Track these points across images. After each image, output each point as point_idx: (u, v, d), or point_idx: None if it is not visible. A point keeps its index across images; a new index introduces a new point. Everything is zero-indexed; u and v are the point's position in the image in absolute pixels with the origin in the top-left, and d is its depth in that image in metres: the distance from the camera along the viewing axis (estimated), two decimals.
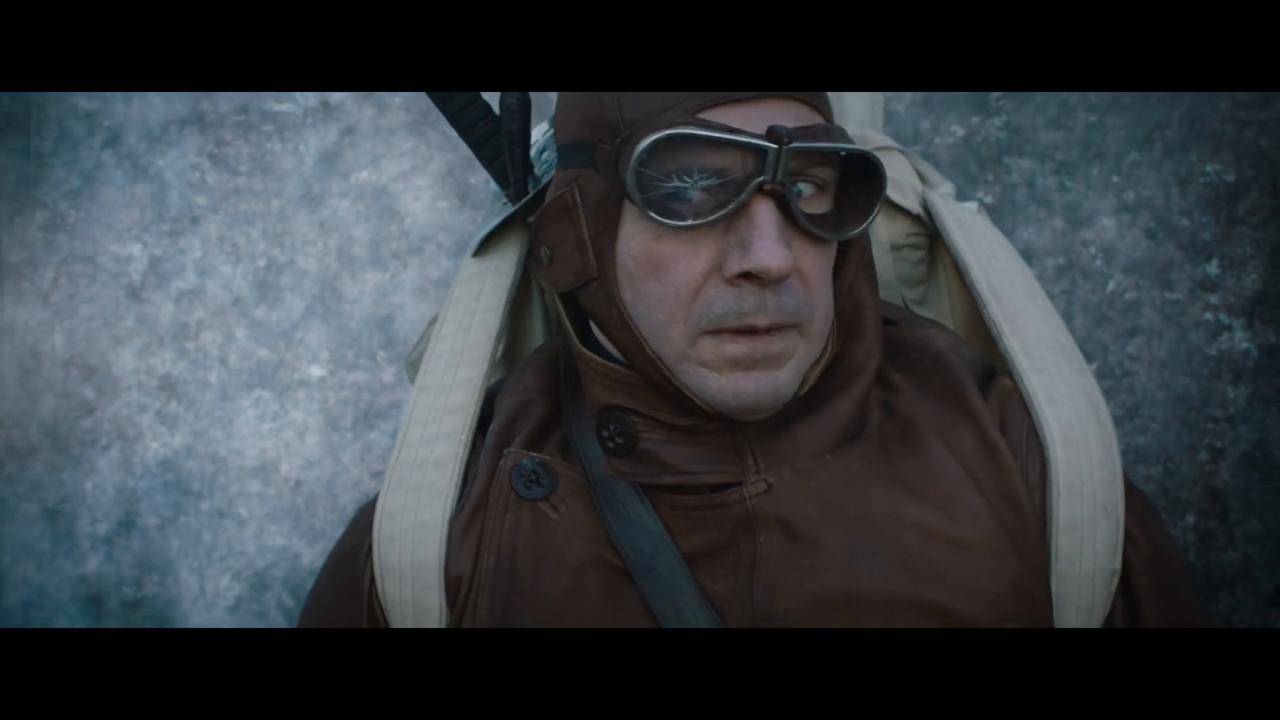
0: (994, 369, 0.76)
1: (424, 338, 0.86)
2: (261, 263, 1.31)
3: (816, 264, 0.65)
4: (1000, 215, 1.27)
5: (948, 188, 0.86)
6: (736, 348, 0.64)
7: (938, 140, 1.26)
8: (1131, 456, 1.26)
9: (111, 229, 1.32)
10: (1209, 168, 1.26)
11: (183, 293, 1.32)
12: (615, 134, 0.63)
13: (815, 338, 0.67)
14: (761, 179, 0.60)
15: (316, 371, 1.31)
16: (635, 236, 0.64)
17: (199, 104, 1.31)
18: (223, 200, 1.31)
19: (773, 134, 0.60)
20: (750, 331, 0.63)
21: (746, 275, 0.62)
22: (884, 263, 0.88)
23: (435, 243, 1.26)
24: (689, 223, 0.60)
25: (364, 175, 1.31)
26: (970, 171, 1.27)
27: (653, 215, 0.60)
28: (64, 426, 1.33)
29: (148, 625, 1.30)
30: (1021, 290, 0.78)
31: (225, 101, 1.31)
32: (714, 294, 0.63)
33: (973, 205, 0.85)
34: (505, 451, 0.74)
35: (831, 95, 0.89)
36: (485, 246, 0.81)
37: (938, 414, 0.71)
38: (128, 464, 1.34)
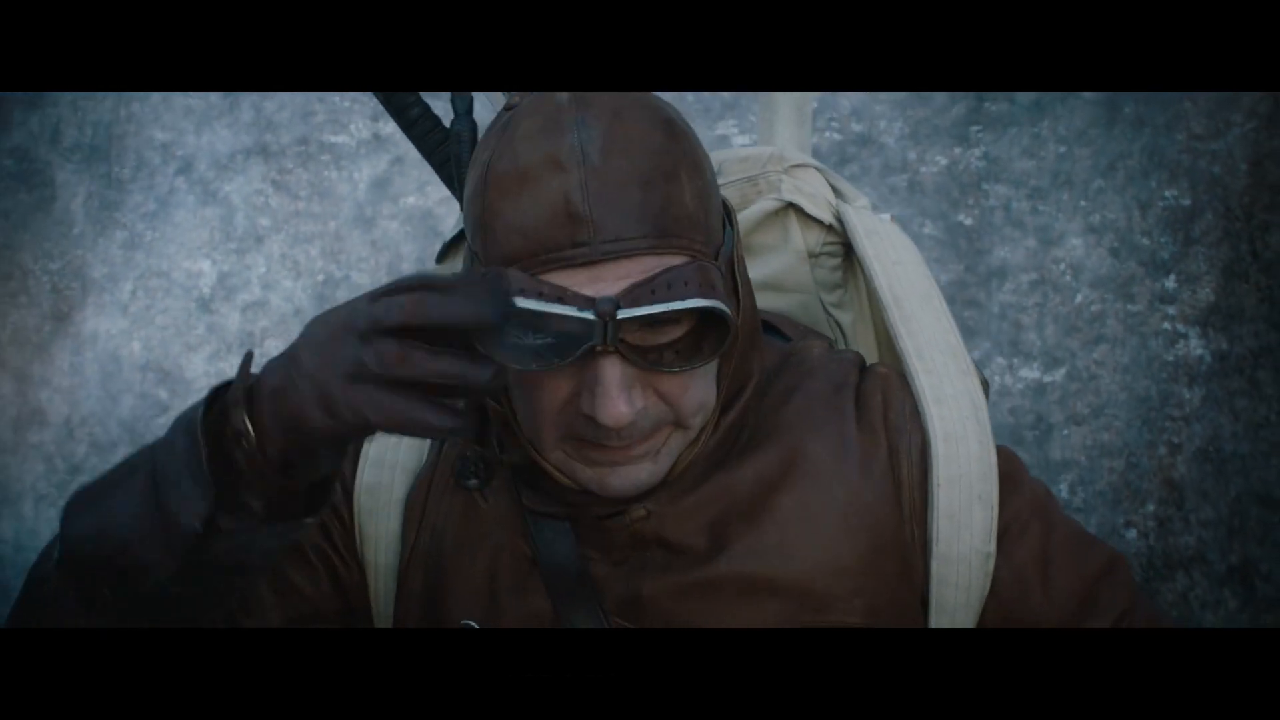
0: (864, 362, 0.85)
1: None
2: (320, 277, 1.53)
3: (678, 380, 0.71)
4: (979, 235, 1.44)
5: (863, 201, 0.97)
6: (600, 454, 0.72)
7: (923, 169, 1.44)
8: (1097, 451, 1.43)
9: (184, 247, 1.53)
10: (1167, 193, 1.44)
11: (248, 304, 1.55)
12: (484, 261, 0.69)
13: (690, 428, 0.74)
14: (591, 343, 0.66)
15: None
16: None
17: (263, 135, 1.52)
18: (284, 221, 1.53)
19: (599, 306, 0.65)
20: (608, 449, 0.71)
21: (591, 418, 0.69)
22: (802, 270, 0.99)
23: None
24: (534, 368, 0.66)
25: (411, 200, 1.53)
26: (952, 196, 1.44)
27: (498, 358, 0.65)
28: (141, 424, 1.55)
29: None
30: (919, 294, 0.87)
31: (286, 133, 1.51)
32: (574, 415, 0.71)
33: (885, 216, 0.98)
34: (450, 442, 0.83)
35: (762, 96, 1.05)
36: (447, 254, 0.91)
37: (807, 413, 0.81)
38: None
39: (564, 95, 0.71)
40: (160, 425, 1.54)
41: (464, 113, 0.84)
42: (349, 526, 0.83)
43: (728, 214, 0.78)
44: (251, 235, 1.56)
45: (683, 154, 0.72)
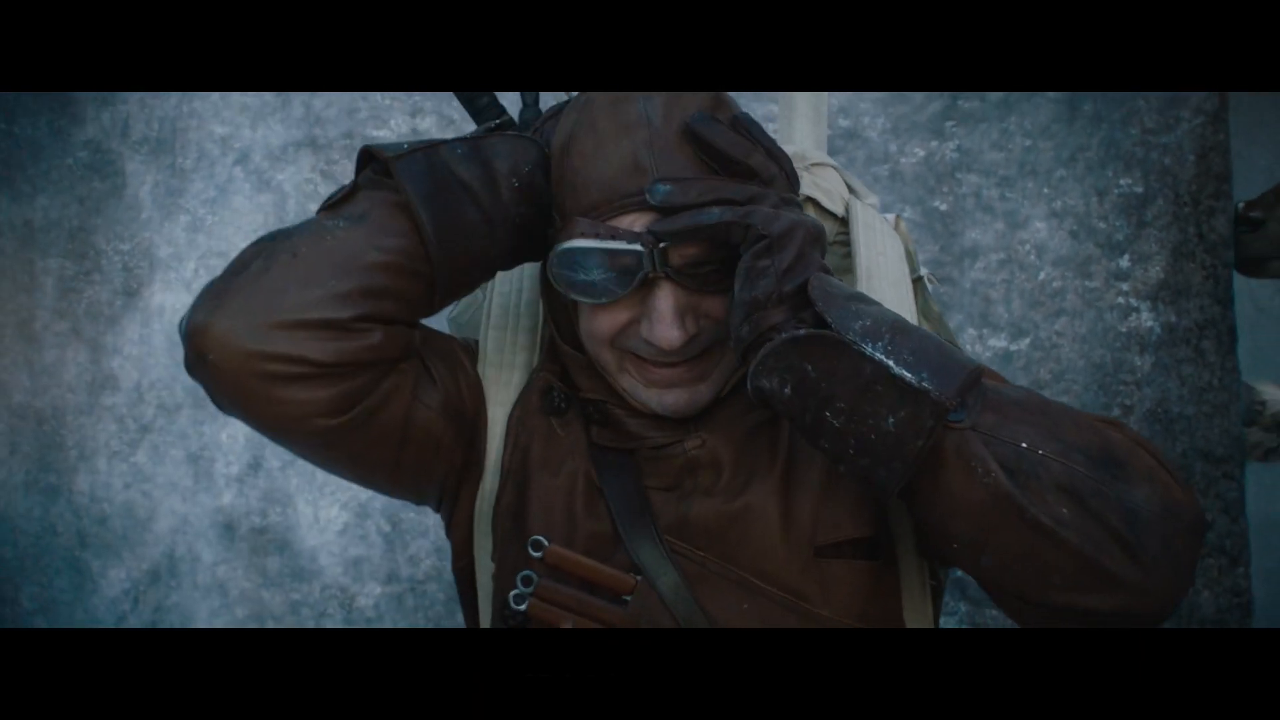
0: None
1: (467, 303, 1.09)
2: None
3: (725, 300, 0.82)
4: (953, 219, 1.57)
5: (873, 199, 1.08)
6: (657, 374, 0.84)
7: (903, 160, 1.57)
8: None
9: (241, 230, 1.65)
10: (1122, 182, 1.57)
11: None
12: (561, 219, 0.83)
13: (717, 376, 0.87)
14: (644, 271, 0.78)
15: None
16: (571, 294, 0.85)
17: (312, 130, 1.64)
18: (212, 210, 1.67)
19: (644, 238, 0.78)
20: (662, 367, 0.84)
21: (649, 342, 0.82)
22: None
23: None
24: (603, 301, 0.82)
25: None
26: (929, 185, 1.58)
27: (571, 296, 0.82)
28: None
29: (272, 549, 1.62)
30: (890, 279, 0.98)
31: (333, 128, 1.64)
32: (636, 340, 0.83)
33: (891, 216, 1.11)
34: (538, 374, 0.95)
35: (782, 95, 1.14)
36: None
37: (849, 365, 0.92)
38: None
39: (616, 97, 0.84)
40: None
41: (532, 103, 0.97)
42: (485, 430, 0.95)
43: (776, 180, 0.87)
44: (301, 219, 1.71)
45: (735, 111, 0.84)
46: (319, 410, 0.78)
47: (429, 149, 0.84)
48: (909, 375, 0.71)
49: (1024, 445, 0.74)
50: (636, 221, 0.79)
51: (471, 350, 0.99)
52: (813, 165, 1.07)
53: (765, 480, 0.89)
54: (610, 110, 0.83)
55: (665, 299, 0.81)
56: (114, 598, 1.69)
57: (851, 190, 1.06)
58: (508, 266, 0.93)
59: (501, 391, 0.97)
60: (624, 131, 0.81)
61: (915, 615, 0.95)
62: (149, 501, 1.69)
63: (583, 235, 0.78)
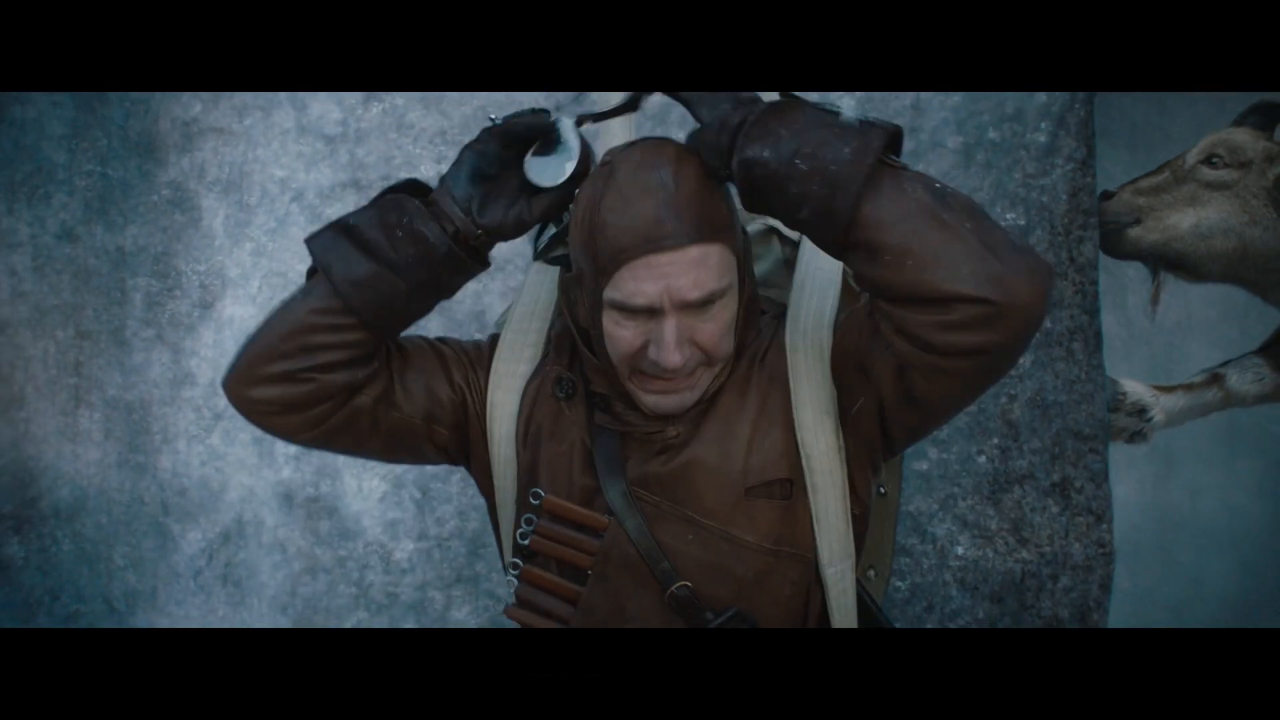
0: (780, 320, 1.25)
1: (505, 313, 1.39)
2: None
3: (711, 327, 1.10)
4: None
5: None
6: (656, 384, 1.13)
7: None
8: None
9: (297, 254, 1.98)
10: (1008, 216, 1.90)
11: None
12: (594, 262, 1.09)
13: (716, 365, 1.15)
14: (659, 310, 1.07)
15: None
16: (607, 318, 1.12)
17: (355, 173, 1.99)
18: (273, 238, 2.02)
19: (663, 299, 1.06)
20: (665, 380, 1.12)
21: (657, 361, 1.09)
22: (781, 271, 1.40)
23: (514, 264, 1.94)
24: (624, 326, 1.10)
25: None
26: None
27: (607, 322, 1.11)
28: None
29: (323, 514, 1.97)
30: (820, 287, 1.24)
31: (373, 172, 1.98)
32: (643, 356, 1.10)
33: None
34: (551, 367, 1.26)
35: None
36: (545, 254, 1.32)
37: (749, 362, 1.20)
38: None
39: (637, 150, 1.11)
40: None
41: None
42: (481, 413, 1.24)
43: (743, 230, 1.16)
44: None
45: (722, 187, 1.11)
46: (298, 429, 1.18)
47: (337, 223, 1.16)
48: (856, 118, 1.02)
49: (937, 184, 1.02)
50: (660, 259, 1.07)
51: (470, 354, 1.28)
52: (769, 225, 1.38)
53: (705, 440, 1.18)
54: (632, 179, 1.08)
55: (670, 331, 1.09)
56: (191, 555, 2.04)
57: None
58: (426, 298, 1.18)
59: (507, 380, 1.26)
60: (646, 194, 1.07)
61: (830, 539, 1.20)
62: (221, 476, 2.03)
63: (615, 291, 1.09)
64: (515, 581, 1.24)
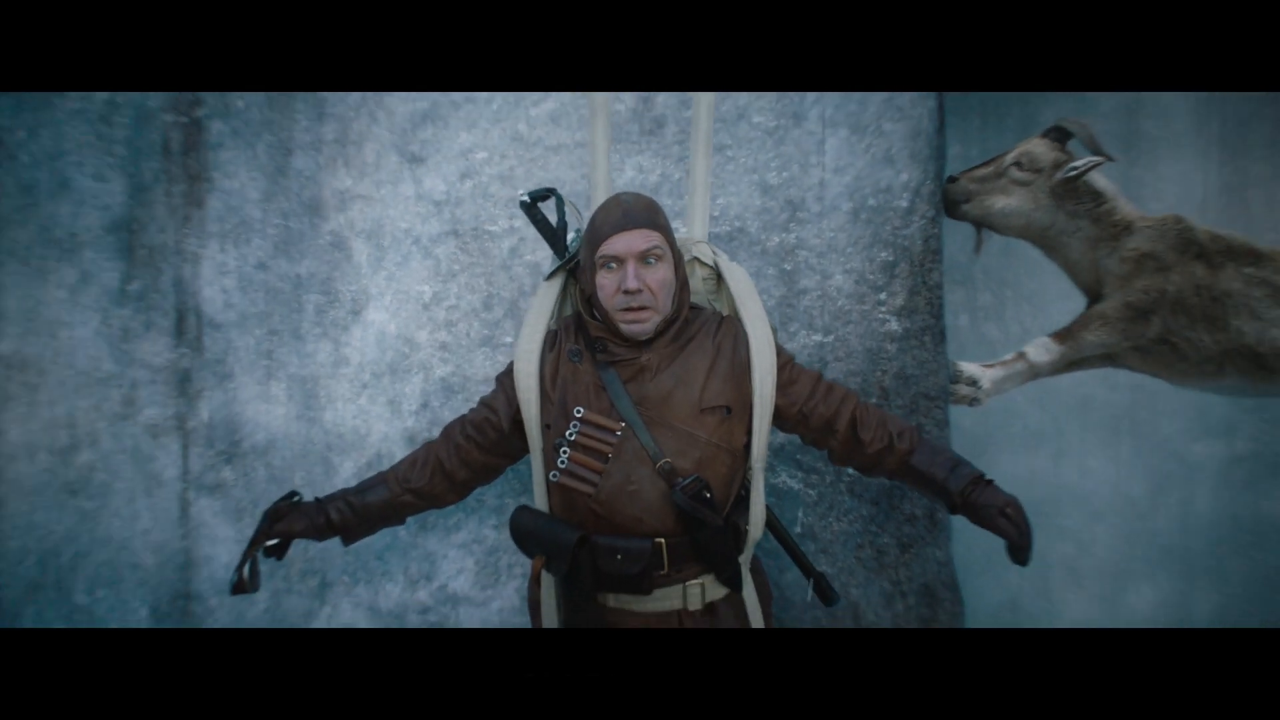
0: (722, 317, 1.97)
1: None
2: (481, 294, 2.87)
3: (656, 277, 1.71)
4: (793, 275, 2.71)
5: (724, 258, 1.91)
6: (628, 315, 1.72)
7: (767, 243, 2.67)
8: (845, 374, 2.58)
9: (416, 278, 2.79)
10: (882, 254, 2.60)
11: (448, 306, 2.75)
12: (591, 242, 1.73)
13: (661, 309, 1.72)
14: (626, 263, 1.71)
15: (486, 363, 2.84)
16: (599, 275, 1.74)
17: (455, 225, 2.88)
18: (464, 269, 2.77)
19: (626, 252, 1.71)
20: (632, 309, 1.71)
21: (626, 291, 1.70)
22: (701, 288, 2.12)
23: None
24: (607, 276, 1.73)
25: (529, 258, 2.71)
26: (781, 256, 2.63)
27: (593, 286, 1.78)
28: (398, 359, 2.79)
29: None
30: (748, 294, 1.93)
31: (466, 225, 2.88)
32: (619, 298, 1.71)
33: (738, 265, 2.04)
34: (562, 346, 1.83)
35: (687, 200, 2.12)
36: (553, 274, 1.95)
37: (705, 331, 1.92)
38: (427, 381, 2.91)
39: (615, 198, 1.76)
40: (409, 364, 2.91)
41: (559, 225, 1.97)
42: (510, 396, 1.88)
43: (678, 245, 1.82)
44: (449, 274, 2.67)
45: (661, 210, 1.74)
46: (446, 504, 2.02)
47: (317, 501, 1.96)
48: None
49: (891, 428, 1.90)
50: (623, 236, 1.71)
51: (503, 381, 1.91)
52: (697, 243, 2.00)
53: (679, 377, 1.82)
54: (609, 202, 1.74)
55: (631, 269, 1.72)
56: (345, 478, 2.62)
57: (715, 253, 1.97)
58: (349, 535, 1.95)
59: (524, 356, 1.85)
60: (617, 205, 1.74)
61: (760, 445, 1.82)
62: (365, 425, 2.63)
63: (600, 261, 1.85)
64: (565, 462, 1.84)
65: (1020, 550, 1.79)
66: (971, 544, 3.30)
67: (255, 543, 1.86)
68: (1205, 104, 3.64)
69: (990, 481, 1.81)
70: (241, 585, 1.73)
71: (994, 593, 3.82)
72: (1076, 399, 3.88)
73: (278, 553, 1.84)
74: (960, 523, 2.54)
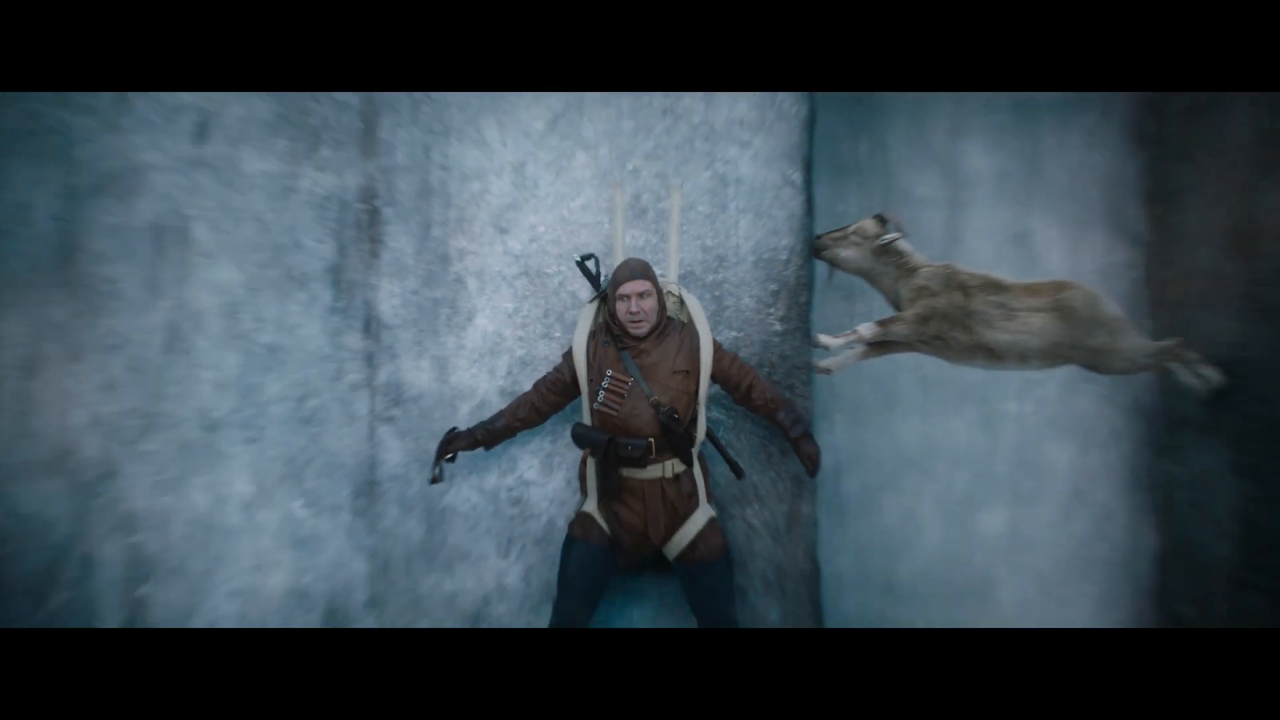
0: (685, 324, 3.90)
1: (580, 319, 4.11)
2: (545, 304, 4.87)
3: (648, 305, 3.34)
4: (722, 300, 4.88)
5: (691, 295, 3.53)
6: (633, 324, 3.33)
7: (714, 282, 4.70)
8: (768, 369, 4.64)
9: (504, 294, 4.76)
10: (770, 286, 4.47)
11: (524, 314, 4.60)
12: (614, 285, 3.35)
13: (651, 321, 3.31)
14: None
15: (545, 347, 4.84)
16: (616, 303, 3.39)
17: (530, 263, 4.93)
18: (552, 294, 4.55)
19: (630, 291, 3.37)
20: (635, 322, 3.33)
21: (631, 312, 3.29)
22: (675, 311, 4.04)
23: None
24: (620, 304, 3.42)
25: (573, 289, 4.76)
26: (718, 293, 4.53)
27: (614, 308, 3.48)
28: (499, 343, 4.71)
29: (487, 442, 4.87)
30: (698, 311, 3.81)
31: (534, 262, 4.92)
32: (628, 315, 3.35)
33: (693, 296, 3.91)
34: (599, 336, 3.59)
35: (668, 254, 4.02)
36: (590, 301, 3.65)
37: (674, 333, 3.71)
38: (492, 373, 4.90)
39: (625, 263, 3.44)
40: (499, 349, 4.88)
41: (596, 274, 3.81)
42: (570, 366, 3.54)
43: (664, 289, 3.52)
44: (523, 296, 4.00)
45: (650, 267, 3.41)
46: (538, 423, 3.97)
47: (470, 431, 3.79)
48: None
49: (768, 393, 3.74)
50: (631, 284, 3.35)
51: (566, 357, 3.53)
52: (670, 283, 3.51)
53: (661, 355, 3.48)
54: (625, 264, 3.34)
55: (634, 302, 3.31)
56: (463, 416, 3.96)
57: (682, 289, 3.58)
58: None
59: (578, 345, 3.45)
60: (627, 267, 3.33)
61: (702, 391, 3.51)
62: (474, 383, 4.04)
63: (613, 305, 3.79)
64: (601, 399, 3.73)
65: (810, 472, 3.53)
66: (839, 452, 4.59)
67: (440, 455, 3.64)
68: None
69: (809, 435, 3.55)
70: (436, 479, 3.58)
71: (853, 485, 4.72)
72: (939, 379, 5.09)
73: (451, 459, 3.66)
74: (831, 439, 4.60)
